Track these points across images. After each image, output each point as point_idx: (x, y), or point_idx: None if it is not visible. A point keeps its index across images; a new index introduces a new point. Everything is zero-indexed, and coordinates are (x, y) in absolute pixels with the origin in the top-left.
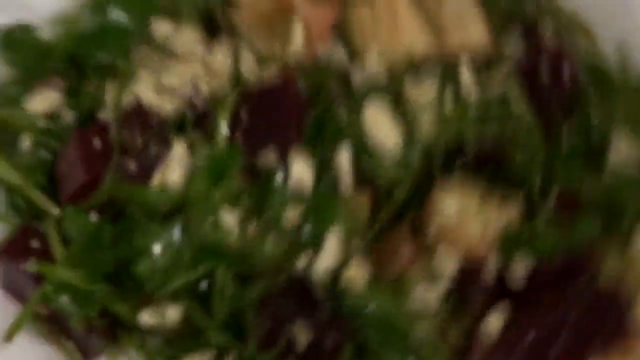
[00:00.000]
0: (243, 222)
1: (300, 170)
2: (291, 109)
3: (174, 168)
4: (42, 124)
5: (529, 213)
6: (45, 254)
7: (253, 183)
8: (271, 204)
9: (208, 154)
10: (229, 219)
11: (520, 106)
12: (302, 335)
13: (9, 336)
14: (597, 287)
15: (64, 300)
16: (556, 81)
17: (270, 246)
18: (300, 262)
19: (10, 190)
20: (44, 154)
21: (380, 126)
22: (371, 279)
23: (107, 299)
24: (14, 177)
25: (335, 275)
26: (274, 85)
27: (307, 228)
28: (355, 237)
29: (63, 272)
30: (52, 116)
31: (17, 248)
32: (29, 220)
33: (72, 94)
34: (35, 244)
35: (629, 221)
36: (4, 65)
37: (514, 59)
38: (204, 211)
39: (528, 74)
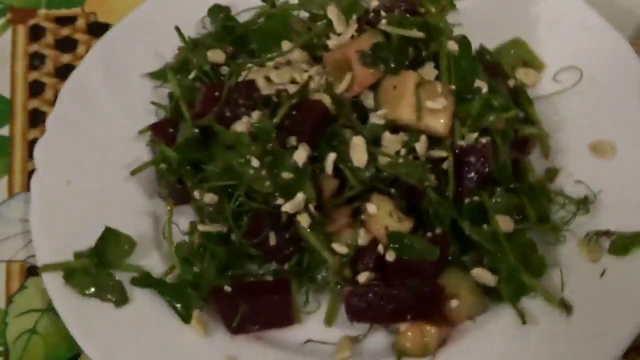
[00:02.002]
0: (260, 168)
1: (300, 154)
2: (314, 120)
3: (241, 125)
4: (207, 67)
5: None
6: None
7: (277, 150)
8: (279, 165)
9: (256, 124)
10: (254, 163)
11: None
12: (272, 239)
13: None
14: (424, 285)
15: (163, 167)
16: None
17: (266, 186)
18: (277, 202)
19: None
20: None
21: (358, 151)
22: (313, 226)
23: (185, 174)
24: (176, 89)
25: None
26: (314, 102)
27: (289, 187)
28: (310, 202)
29: (169, 152)
30: (214, 66)
31: (165, 127)
32: (175, 117)
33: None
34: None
35: None
36: None
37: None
38: (241, 154)
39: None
